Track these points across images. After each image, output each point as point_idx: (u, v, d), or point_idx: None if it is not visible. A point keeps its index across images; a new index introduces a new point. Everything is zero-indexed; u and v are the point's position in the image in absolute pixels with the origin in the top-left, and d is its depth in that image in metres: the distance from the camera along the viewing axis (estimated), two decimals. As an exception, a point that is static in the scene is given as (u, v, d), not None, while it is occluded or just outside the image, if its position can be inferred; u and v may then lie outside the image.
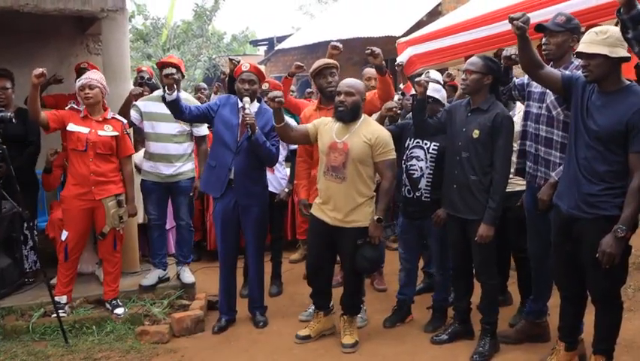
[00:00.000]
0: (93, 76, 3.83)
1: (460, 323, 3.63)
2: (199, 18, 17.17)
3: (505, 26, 4.15)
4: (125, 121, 4.00)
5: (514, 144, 3.41)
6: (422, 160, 3.67)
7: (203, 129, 4.36)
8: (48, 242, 4.33)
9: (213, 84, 6.21)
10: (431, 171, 3.65)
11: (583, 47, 2.73)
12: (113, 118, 3.91)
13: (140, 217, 4.55)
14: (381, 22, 10.35)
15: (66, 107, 3.97)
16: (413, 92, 3.56)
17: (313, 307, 3.86)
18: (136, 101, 4.20)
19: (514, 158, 3.41)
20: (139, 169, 4.39)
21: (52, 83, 4.64)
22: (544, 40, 3.18)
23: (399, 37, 6.70)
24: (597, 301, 2.93)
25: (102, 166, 3.81)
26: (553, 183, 3.09)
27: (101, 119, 3.86)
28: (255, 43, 19.22)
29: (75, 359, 3.49)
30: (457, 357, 3.44)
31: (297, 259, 5.44)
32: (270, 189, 4.20)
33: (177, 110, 3.66)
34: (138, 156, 4.49)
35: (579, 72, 2.89)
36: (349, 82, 3.49)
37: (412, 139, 3.73)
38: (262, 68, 4.22)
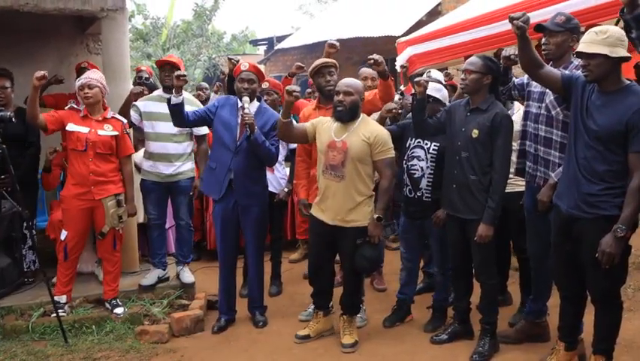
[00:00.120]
0: (92, 75, 3.82)
1: (459, 323, 3.62)
2: (199, 17, 17.17)
3: (504, 26, 4.16)
4: (125, 121, 3.99)
5: (514, 144, 3.40)
6: (423, 160, 3.67)
7: (203, 128, 4.34)
8: (47, 241, 4.33)
9: (213, 84, 6.20)
10: (432, 171, 3.65)
11: (583, 46, 2.73)
12: (112, 117, 3.91)
13: (141, 217, 4.55)
14: (381, 21, 10.33)
15: (66, 107, 3.96)
16: (413, 91, 3.55)
17: (313, 307, 3.86)
18: (136, 100, 4.20)
19: (513, 158, 3.41)
20: (139, 168, 4.39)
21: (54, 83, 4.63)
22: (543, 40, 3.18)
23: (398, 37, 6.69)
24: (597, 301, 2.92)
25: (102, 166, 3.80)
26: (553, 184, 3.09)
27: (100, 118, 3.85)
28: (255, 42, 19.20)
29: (75, 358, 3.49)
30: (456, 357, 3.43)
31: (297, 259, 5.43)
32: (270, 188, 4.20)
33: (180, 114, 3.67)
34: (138, 156, 4.49)
35: (579, 72, 2.88)
36: (348, 81, 3.49)
37: (413, 139, 3.73)
38: (262, 67, 4.21)
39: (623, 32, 2.74)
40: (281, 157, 4.56)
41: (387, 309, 4.03)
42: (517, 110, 3.73)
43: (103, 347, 3.62)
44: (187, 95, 4.32)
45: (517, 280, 4.02)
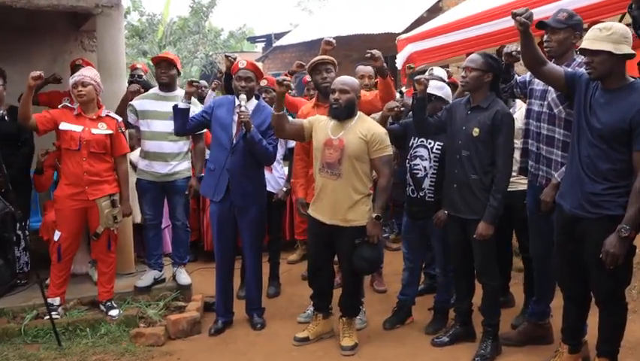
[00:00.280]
0: (86, 73, 3.76)
1: (461, 325, 3.59)
2: (196, 14, 17.09)
3: (506, 23, 4.12)
4: (120, 119, 3.93)
5: (516, 142, 3.37)
6: (426, 160, 3.64)
7: (200, 127, 4.30)
8: (40, 242, 4.29)
9: (210, 81, 6.15)
10: (435, 171, 3.61)
11: (586, 43, 2.70)
12: (107, 116, 3.85)
13: (138, 217, 4.49)
14: (381, 18, 10.29)
15: (59, 105, 3.90)
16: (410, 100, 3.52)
17: (312, 309, 3.82)
18: (133, 98, 4.13)
19: (517, 156, 3.38)
20: (135, 167, 4.34)
21: (52, 82, 4.58)
22: (545, 37, 3.15)
23: (399, 34, 6.63)
24: (601, 303, 2.90)
25: (96, 165, 3.75)
26: (556, 184, 3.06)
27: (94, 117, 3.80)
28: (253, 40, 19.14)
29: (68, 361, 3.44)
30: (458, 360, 3.40)
31: (296, 260, 5.40)
32: (268, 188, 4.15)
33: (183, 120, 3.67)
34: (135, 155, 4.44)
35: (582, 69, 2.85)
36: (343, 79, 3.46)
37: (416, 138, 3.70)
38: (260, 65, 4.16)
39: (627, 29, 2.72)
40: (279, 156, 4.52)
41: (388, 311, 3.99)
42: (519, 108, 3.70)
43: (97, 350, 3.57)
44: (182, 94, 4.26)
45: (519, 281, 4.01)
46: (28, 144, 4.24)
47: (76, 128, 3.71)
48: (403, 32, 7.10)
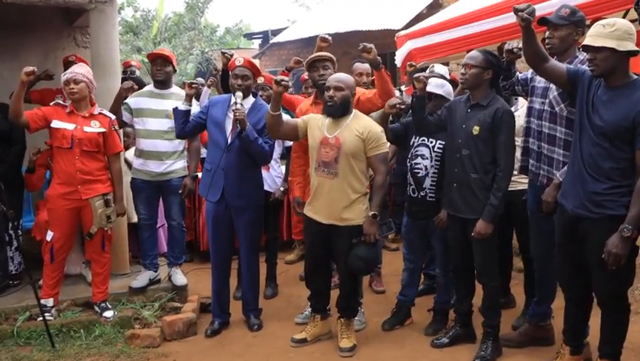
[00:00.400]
0: (78, 70, 3.70)
1: (461, 326, 3.56)
2: (191, 10, 17.01)
3: (508, 19, 4.08)
4: (114, 117, 3.88)
5: (517, 140, 3.34)
6: (427, 159, 3.60)
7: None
8: (33, 243, 4.24)
9: (206, 78, 6.09)
10: (436, 170, 3.58)
11: (589, 40, 2.67)
12: (100, 114, 3.80)
13: (134, 217, 4.45)
14: (380, 14, 10.26)
15: (51, 103, 3.83)
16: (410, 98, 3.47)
17: (310, 310, 3.79)
18: (127, 96, 4.06)
19: (518, 155, 3.35)
20: (130, 166, 4.28)
21: (44, 79, 4.52)
22: (547, 34, 3.12)
23: (398, 31, 6.58)
24: (603, 304, 2.88)
25: (89, 164, 3.69)
26: (557, 183, 3.03)
27: (87, 114, 3.73)
28: (250, 36, 19.08)
29: (62, 364, 3.40)
30: (458, 361, 3.38)
31: (293, 260, 5.35)
32: (265, 187, 4.10)
33: (184, 121, 3.66)
34: (131, 153, 4.39)
35: (585, 66, 2.82)
36: (338, 77, 3.43)
37: (417, 137, 3.67)
38: (256, 62, 4.10)
39: (631, 25, 2.70)
40: (276, 155, 4.48)
41: (387, 311, 3.96)
42: (521, 106, 3.66)
43: (91, 351, 3.53)
44: (179, 91, 4.21)
45: (520, 282, 4.00)
46: (20, 142, 4.19)
47: (69, 126, 3.65)
48: (403, 29, 7.05)
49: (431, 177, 3.59)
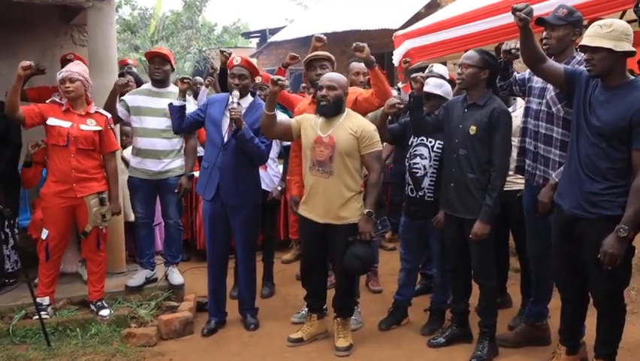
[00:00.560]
0: (74, 68, 3.68)
1: (457, 326, 3.56)
2: (189, 9, 16.97)
3: (505, 19, 4.09)
4: (110, 116, 3.86)
5: (514, 140, 3.33)
6: (426, 158, 3.60)
7: (192, 124, 4.24)
8: (29, 241, 4.22)
9: (204, 77, 6.08)
10: (435, 170, 3.57)
11: (587, 40, 2.67)
12: (96, 112, 3.78)
13: (131, 216, 4.43)
14: (378, 14, 10.25)
15: (47, 100, 3.82)
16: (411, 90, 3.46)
17: (306, 310, 3.78)
18: (121, 92, 4.05)
19: (514, 155, 3.35)
20: (128, 164, 4.28)
21: (35, 73, 4.48)
22: (544, 34, 3.11)
23: (396, 30, 6.58)
24: (599, 304, 2.88)
25: (84, 162, 3.67)
26: (554, 184, 3.03)
27: (83, 113, 3.72)
28: (247, 35, 19.04)
29: (58, 362, 3.39)
30: (454, 361, 3.37)
31: (290, 260, 5.34)
32: (262, 186, 4.09)
33: (180, 117, 3.66)
34: (128, 152, 4.37)
35: (582, 67, 2.82)
36: (330, 76, 3.43)
37: (416, 137, 3.66)
38: (254, 61, 4.09)
39: (628, 26, 2.70)
40: (274, 154, 4.47)
41: (383, 311, 3.96)
42: (519, 107, 3.66)
43: (87, 350, 3.51)
44: (176, 90, 4.20)
45: (517, 282, 3.99)
46: (16, 141, 4.16)
47: (65, 123, 3.64)
48: (400, 28, 7.05)
49: (430, 177, 3.58)
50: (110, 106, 3.95)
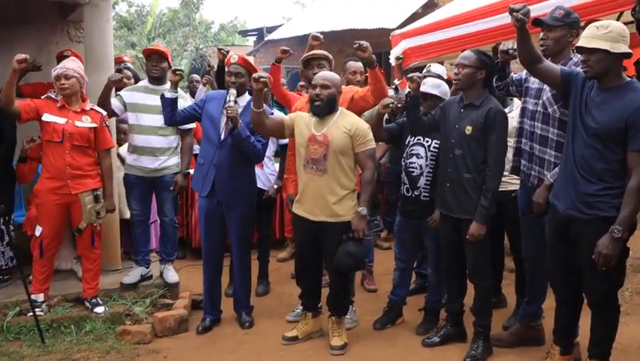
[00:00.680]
0: (69, 65, 3.66)
1: (452, 326, 3.56)
2: (186, 6, 16.92)
3: (503, 20, 4.09)
4: (105, 113, 3.84)
5: (510, 141, 3.33)
6: (422, 158, 3.60)
7: (189, 123, 4.23)
8: (25, 237, 4.19)
9: (200, 76, 6.07)
10: (431, 170, 3.57)
11: (583, 41, 2.67)
12: (92, 109, 3.76)
13: (127, 213, 4.42)
14: (375, 13, 10.27)
15: (42, 96, 3.79)
16: (407, 90, 3.46)
17: (301, 308, 3.77)
18: (115, 87, 4.02)
19: (509, 155, 3.35)
20: (124, 162, 4.26)
21: (31, 70, 4.47)
22: (541, 35, 3.11)
23: (393, 30, 6.58)
24: (593, 305, 2.88)
25: (79, 159, 3.66)
26: (548, 185, 3.03)
27: (79, 110, 3.70)
28: (244, 33, 19.02)
29: (52, 359, 3.38)
30: (448, 360, 3.37)
31: (285, 258, 5.33)
32: (258, 185, 4.09)
33: (172, 110, 3.65)
34: (124, 149, 4.36)
35: (579, 68, 2.82)
36: (324, 75, 3.44)
37: (413, 136, 3.66)
38: (251, 59, 4.08)
39: (624, 28, 2.70)
40: (270, 152, 4.45)
41: (378, 310, 3.96)
42: (516, 107, 3.66)
43: (82, 347, 3.51)
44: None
45: (512, 282, 3.99)
46: (10, 137, 4.13)
47: (60, 120, 3.62)
48: (398, 28, 7.05)
49: (426, 176, 3.58)
50: (103, 102, 3.91)
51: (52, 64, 4.49)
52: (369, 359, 3.43)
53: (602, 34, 2.61)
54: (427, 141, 3.60)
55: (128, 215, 4.42)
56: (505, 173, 3.34)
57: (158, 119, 4.03)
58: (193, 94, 5.69)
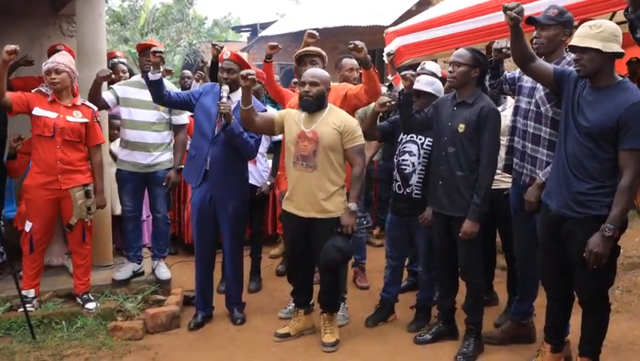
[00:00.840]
0: (60, 59, 3.63)
1: (444, 323, 3.57)
2: (179, 1, 16.85)
3: (496, 18, 4.08)
4: (96, 108, 3.81)
5: (503, 139, 3.34)
6: (415, 155, 3.60)
7: (182, 118, 4.22)
8: (15, 233, 4.16)
9: (194, 71, 6.03)
10: (423, 167, 3.57)
11: (576, 40, 2.68)
12: (83, 104, 3.74)
13: (117, 209, 4.40)
14: (369, 10, 10.25)
15: (33, 90, 3.76)
16: (401, 86, 3.45)
17: (293, 305, 3.77)
18: (103, 82, 3.97)
19: (502, 154, 3.35)
20: (116, 158, 4.23)
21: (23, 64, 4.43)
22: (535, 33, 3.11)
23: (387, 27, 6.56)
24: (584, 303, 2.89)
25: (70, 154, 3.63)
26: (540, 183, 3.04)
27: (70, 104, 3.67)
28: (238, 29, 18.94)
29: (43, 355, 3.36)
30: (440, 358, 3.38)
31: (277, 255, 5.32)
32: (251, 181, 4.08)
33: (159, 91, 3.60)
34: (116, 145, 4.33)
35: (572, 67, 2.83)
36: (313, 72, 3.45)
37: (406, 134, 3.65)
38: (244, 55, 4.06)
39: (617, 27, 2.70)
40: (263, 149, 4.44)
41: (370, 307, 3.96)
42: (509, 106, 3.66)
43: (73, 343, 3.49)
44: (166, 83, 4.16)
45: (503, 280, 4.00)
46: (1, 131, 4.11)
47: (51, 114, 3.59)
48: (392, 25, 7.04)
49: (418, 173, 3.58)
50: (93, 97, 3.88)
51: (44, 58, 4.45)
52: (360, 356, 3.43)
53: (595, 33, 2.62)
54: (420, 139, 3.60)
55: (118, 211, 4.40)
56: (498, 171, 3.34)
57: (151, 115, 4.02)
58: (185, 90, 5.65)
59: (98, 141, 3.80)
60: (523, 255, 3.36)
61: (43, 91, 3.71)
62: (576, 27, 2.87)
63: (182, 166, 4.13)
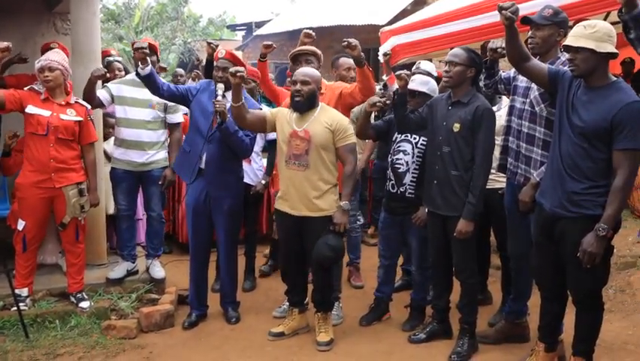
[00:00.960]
0: (53, 57, 3.61)
1: (438, 322, 3.57)
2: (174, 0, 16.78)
3: (492, 18, 4.10)
4: (89, 107, 3.80)
5: (498, 139, 3.34)
6: (409, 154, 3.59)
7: (177, 116, 4.21)
8: (9, 231, 4.13)
9: (188, 70, 6.02)
10: (417, 167, 3.57)
11: (570, 40, 2.69)
12: (76, 103, 3.72)
13: (111, 208, 4.38)
14: (365, 9, 10.24)
15: (26, 88, 3.73)
16: (396, 86, 3.45)
17: (287, 304, 3.77)
18: (98, 81, 3.95)
19: (496, 153, 3.35)
20: (109, 158, 4.22)
21: (17, 62, 4.41)
22: (529, 33, 3.12)
23: (382, 26, 6.57)
24: (578, 302, 2.90)
25: (63, 152, 3.62)
26: (535, 183, 3.05)
27: (63, 102, 3.66)
28: (233, 27, 18.88)
29: (36, 354, 3.34)
30: (434, 357, 3.39)
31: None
32: (246, 180, 4.08)
33: (153, 85, 3.59)
34: (110, 144, 4.31)
35: (566, 67, 2.83)
36: (304, 71, 3.45)
37: (400, 133, 3.65)
38: (239, 54, 4.05)
39: (611, 28, 2.72)
40: (258, 148, 4.43)
41: (365, 307, 3.96)
42: (504, 106, 3.67)
43: (67, 342, 3.48)
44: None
45: (498, 279, 4.00)
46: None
47: (44, 112, 3.57)
48: (387, 24, 7.05)
49: (412, 173, 3.58)
50: (87, 95, 3.86)
51: (38, 56, 4.42)
52: (355, 355, 3.43)
53: (589, 33, 2.63)
54: (415, 138, 3.60)
55: (112, 210, 4.39)
56: (492, 171, 3.34)
57: (146, 113, 4.01)
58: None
59: (92, 139, 3.79)
60: (517, 254, 3.36)
61: (36, 89, 3.68)
62: (571, 27, 2.87)
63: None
